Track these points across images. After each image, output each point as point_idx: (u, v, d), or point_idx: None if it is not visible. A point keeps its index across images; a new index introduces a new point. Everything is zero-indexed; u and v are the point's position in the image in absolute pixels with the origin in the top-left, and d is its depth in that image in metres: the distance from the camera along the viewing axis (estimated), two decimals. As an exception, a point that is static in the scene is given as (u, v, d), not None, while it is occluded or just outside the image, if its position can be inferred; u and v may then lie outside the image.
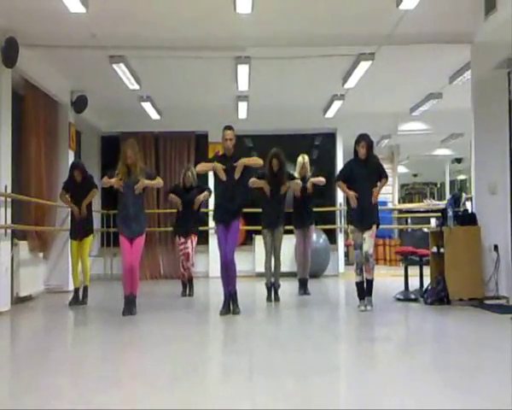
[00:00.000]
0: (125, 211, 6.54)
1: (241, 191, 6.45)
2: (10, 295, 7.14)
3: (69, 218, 7.99)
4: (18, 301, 7.49)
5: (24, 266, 7.71)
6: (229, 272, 6.38)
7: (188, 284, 8.37)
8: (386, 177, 6.66)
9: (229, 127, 6.50)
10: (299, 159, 8.22)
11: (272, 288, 7.58)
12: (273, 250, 7.59)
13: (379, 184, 6.59)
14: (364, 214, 6.52)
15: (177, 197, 8.20)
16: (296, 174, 8.11)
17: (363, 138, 6.61)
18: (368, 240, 6.51)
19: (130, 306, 6.41)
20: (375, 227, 6.56)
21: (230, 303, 6.41)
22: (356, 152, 6.65)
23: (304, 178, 8.13)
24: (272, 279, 7.61)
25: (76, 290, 7.53)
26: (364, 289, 6.58)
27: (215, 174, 6.50)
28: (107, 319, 6.41)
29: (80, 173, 7.59)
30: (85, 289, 7.61)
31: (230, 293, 6.41)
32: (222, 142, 6.50)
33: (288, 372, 3.90)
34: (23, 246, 7.82)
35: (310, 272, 8.44)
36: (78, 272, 7.57)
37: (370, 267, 6.53)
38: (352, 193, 6.53)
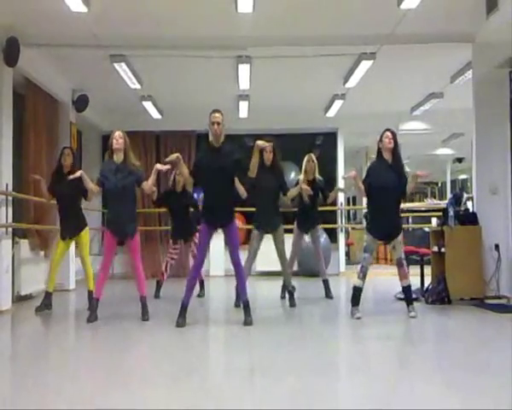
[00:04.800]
0: (116, 213, 6.08)
1: (231, 192, 5.93)
2: (11, 293, 7.14)
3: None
4: (19, 299, 7.50)
5: (25, 264, 7.71)
6: (239, 279, 5.94)
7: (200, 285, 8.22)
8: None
9: (216, 110, 5.73)
10: (306, 157, 7.66)
11: (286, 292, 7.25)
12: (277, 253, 7.01)
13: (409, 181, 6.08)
14: (390, 228, 6.00)
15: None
16: (302, 175, 7.55)
17: (387, 130, 6.06)
18: (398, 246, 6.03)
19: (142, 309, 6.16)
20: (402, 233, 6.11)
21: (243, 312, 5.83)
22: (379, 152, 6.10)
23: (313, 180, 7.52)
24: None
25: (48, 295, 6.74)
26: (360, 297, 6.07)
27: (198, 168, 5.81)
28: (108, 320, 6.41)
29: (71, 153, 6.88)
30: (90, 293, 6.77)
31: (243, 302, 5.87)
32: (208, 127, 5.70)
33: (288, 372, 3.91)
34: (24, 244, 7.83)
35: (310, 271, 8.42)
36: (56, 274, 6.84)
37: (406, 272, 6.06)
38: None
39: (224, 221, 5.78)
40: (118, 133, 6.13)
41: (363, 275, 5.98)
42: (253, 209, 7.31)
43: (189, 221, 8.14)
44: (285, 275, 7.20)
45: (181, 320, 5.67)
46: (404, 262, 6.07)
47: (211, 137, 5.76)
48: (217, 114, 5.68)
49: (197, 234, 8.11)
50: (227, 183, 5.76)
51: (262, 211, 6.99)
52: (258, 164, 6.22)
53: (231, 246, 5.91)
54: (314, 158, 7.64)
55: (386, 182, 5.93)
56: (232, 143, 5.89)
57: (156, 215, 11.52)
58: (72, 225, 6.84)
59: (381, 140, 6.05)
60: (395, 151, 6.01)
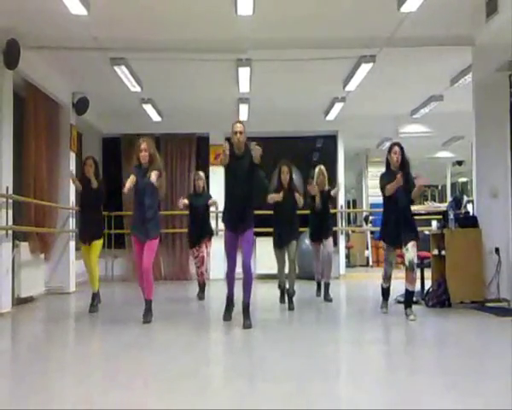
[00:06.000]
0: (139, 213, 6.13)
1: (251, 196, 5.95)
2: (11, 296, 7.14)
3: (71, 220, 7.87)
4: (19, 302, 7.49)
5: (25, 267, 7.71)
6: (246, 281, 5.91)
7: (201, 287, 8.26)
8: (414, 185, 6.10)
9: (238, 121, 6.06)
10: (317, 170, 7.87)
11: (286, 294, 7.21)
12: (288, 259, 7.19)
13: (414, 190, 6.09)
14: (401, 230, 6.07)
15: (187, 201, 8.13)
16: (314, 187, 7.69)
17: (395, 144, 6.24)
18: (411, 249, 6.04)
19: (145, 312, 6.10)
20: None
21: (242, 315, 5.87)
22: (388, 164, 6.24)
23: (323, 191, 7.73)
24: (287, 285, 7.23)
25: (94, 295, 6.98)
26: (390, 293, 6.46)
27: (226, 173, 6.13)
28: (108, 321, 6.41)
29: (93, 164, 6.94)
30: (94, 295, 7.01)
31: (244, 304, 5.89)
32: (231, 136, 5.93)
33: (288, 376, 3.90)
34: (24, 247, 7.82)
35: (310, 274, 8.38)
36: (93, 276, 7.01)
37: (414, 278, 6.10)
38: (398, 176, 5.91)
39: (242, 227, 5.84)
40: (144, 146, 6.16)
41: (387, 279, 6.38)
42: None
43: (206, 223, 8.25)
44: (290, 279, 7.21)
45: (227, 314, 6.07)
46: (415, 267, 6.11)
47: (234, 146, 5.93)
48: (238, 125, 5.91)
49: (206, 243, 8.15)
50: (247, 189, 5.87)
51: (280, 230, 7.16)
52: (278, 186, 7.01)
53: (243, 251, 5.88)
54: (324, 171, 7.87)
55: (395, 195, 6.07)
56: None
57: (179, 218, 11.44)
58: (92, 231, 7.02)
59: (389, 153, 6.21)
60: (403, 165, 6.15)
